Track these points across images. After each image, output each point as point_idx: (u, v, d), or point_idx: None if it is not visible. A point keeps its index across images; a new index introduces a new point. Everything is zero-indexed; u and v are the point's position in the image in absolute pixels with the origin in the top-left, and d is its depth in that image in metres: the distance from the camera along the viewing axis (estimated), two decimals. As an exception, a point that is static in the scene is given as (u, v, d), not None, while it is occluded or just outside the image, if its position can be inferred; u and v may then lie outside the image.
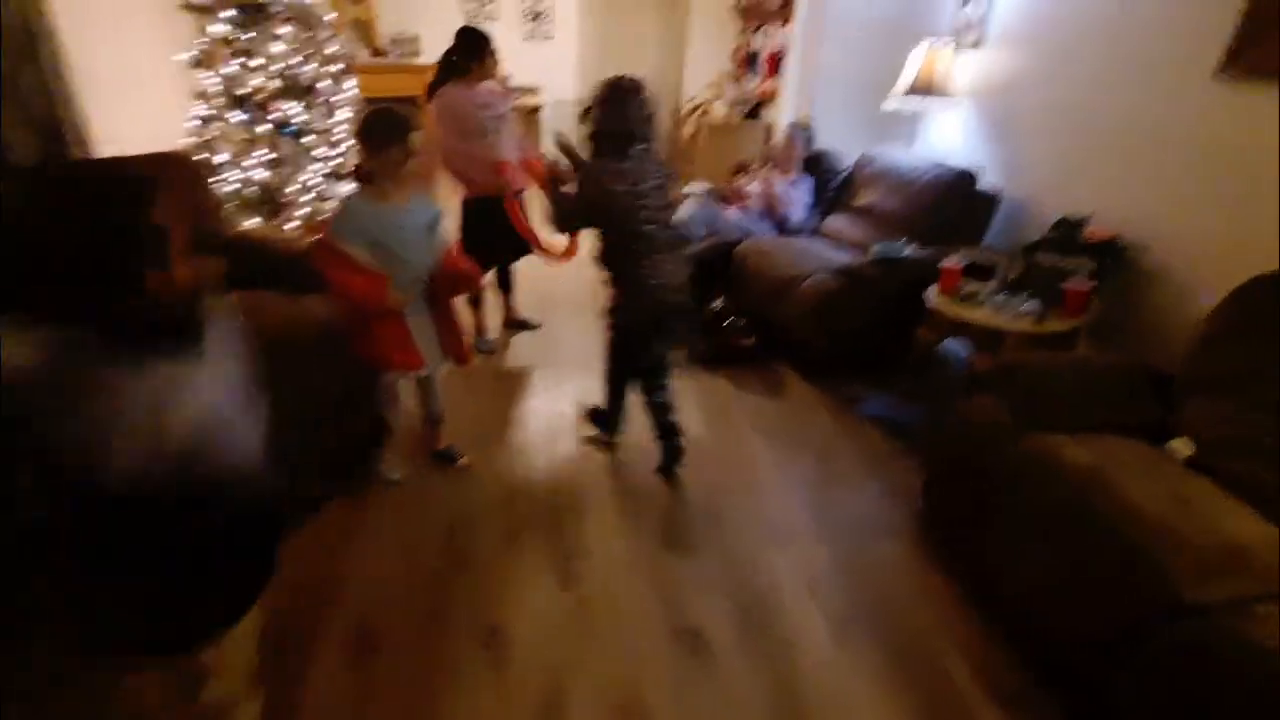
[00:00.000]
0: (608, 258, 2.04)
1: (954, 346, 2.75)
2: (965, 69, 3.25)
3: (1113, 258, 2.32)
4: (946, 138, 3.45)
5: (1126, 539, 1.40)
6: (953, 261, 2.46)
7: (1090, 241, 2.34)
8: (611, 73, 2.02)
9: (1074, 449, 1.64)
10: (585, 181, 1.99)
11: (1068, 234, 2.40)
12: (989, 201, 2.95)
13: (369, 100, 5.59)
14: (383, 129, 1.83)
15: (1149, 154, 2.35)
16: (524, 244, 3.12)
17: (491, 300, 3.31)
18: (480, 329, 3.25)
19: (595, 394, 2.44)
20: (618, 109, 1.92)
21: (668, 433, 2.24)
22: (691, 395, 2.85)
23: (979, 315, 2.32)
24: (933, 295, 2.50)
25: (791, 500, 2.24)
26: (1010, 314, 2.29)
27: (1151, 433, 1.80)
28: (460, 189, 2.92)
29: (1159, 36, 2.30)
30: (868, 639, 1.73)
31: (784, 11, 5.25)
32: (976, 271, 2.48)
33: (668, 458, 2.27)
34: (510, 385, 2.96)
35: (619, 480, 2.33)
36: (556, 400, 2.79)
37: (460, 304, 2.76)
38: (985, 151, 3.16)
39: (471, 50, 2.70)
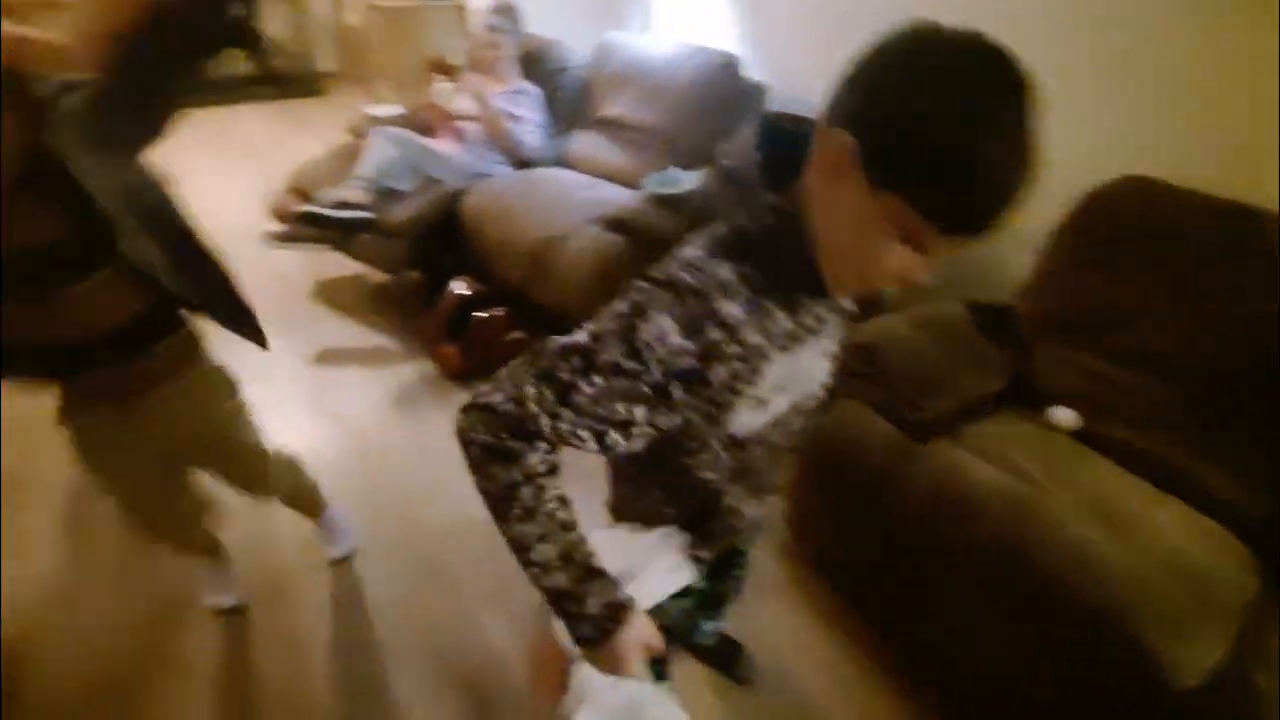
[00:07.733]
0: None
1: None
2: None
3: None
4: (687, 16, 2.80)
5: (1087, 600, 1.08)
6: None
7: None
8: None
9: (982, 469, 1.28)
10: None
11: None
12: (755, 98, 2.44)
13: None
14: None
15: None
16: None
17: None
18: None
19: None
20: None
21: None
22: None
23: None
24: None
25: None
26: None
27: (1018, 391, 1.54)
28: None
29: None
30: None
31: None
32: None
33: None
34: None
35: None
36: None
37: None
38: (735, 32, 2.59)
39: None
